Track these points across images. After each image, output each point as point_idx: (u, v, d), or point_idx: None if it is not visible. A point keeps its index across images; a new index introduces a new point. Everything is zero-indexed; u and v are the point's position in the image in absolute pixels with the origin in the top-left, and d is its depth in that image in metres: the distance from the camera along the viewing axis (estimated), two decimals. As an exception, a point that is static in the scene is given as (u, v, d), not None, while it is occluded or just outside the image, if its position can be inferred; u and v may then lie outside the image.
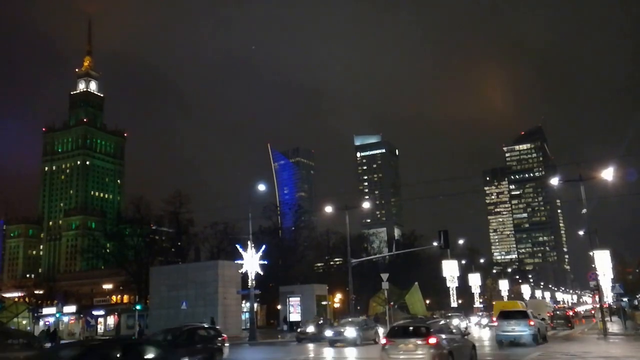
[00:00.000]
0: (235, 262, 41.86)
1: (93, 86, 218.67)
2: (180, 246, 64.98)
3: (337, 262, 79.57)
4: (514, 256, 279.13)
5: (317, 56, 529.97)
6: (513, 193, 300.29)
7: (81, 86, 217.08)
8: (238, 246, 41.17)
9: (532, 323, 23.26)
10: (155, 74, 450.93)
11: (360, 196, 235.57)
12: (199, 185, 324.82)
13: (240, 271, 41.00)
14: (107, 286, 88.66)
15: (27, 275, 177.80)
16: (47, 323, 50.89)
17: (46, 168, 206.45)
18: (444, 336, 14.56)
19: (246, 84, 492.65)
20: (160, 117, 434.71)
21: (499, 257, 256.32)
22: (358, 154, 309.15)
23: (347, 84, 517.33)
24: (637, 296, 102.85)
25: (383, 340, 15.52)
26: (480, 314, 64.34)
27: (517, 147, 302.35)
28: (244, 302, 46.23)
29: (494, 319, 31.68)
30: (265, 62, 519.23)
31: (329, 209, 54.06)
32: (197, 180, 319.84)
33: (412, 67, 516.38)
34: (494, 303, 58.17)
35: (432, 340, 13.79)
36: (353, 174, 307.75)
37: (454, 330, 16.76)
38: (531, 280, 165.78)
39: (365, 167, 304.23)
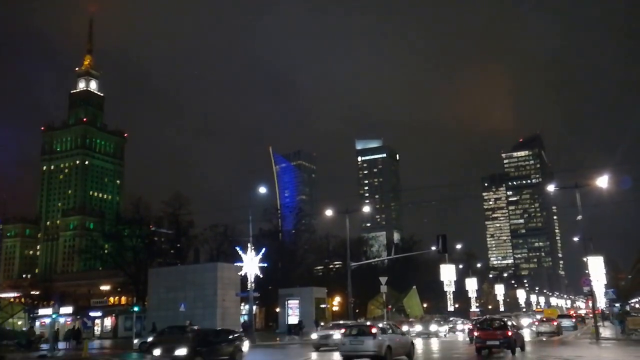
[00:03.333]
0: (235, 264, 41.80)
1: (93, 85, 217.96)
2: (180, 248, 64.79)
3: (337, 266, 79.55)
4: (510, 261, 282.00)
5: (320, 60, 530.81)
6: (510, 199, 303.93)
7: (81, 85, 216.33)
8: (238, 248, 41.10)
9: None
10: (156, 75, 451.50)
11: (360, 200, 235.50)
12: (199, 187, 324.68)
13: (239, 273, 40.88)
14: (105, 287, 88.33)
15: (24, 276, 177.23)
16: (68, 322, 50.33)
17: (44, 167, 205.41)
18: (384, 334, 20.52)
19: (248, 85, 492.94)
20: (161, 118, 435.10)
21: (495, 262, 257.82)
22: (359, 158, 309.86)
23: (350, 88, 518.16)
24: (630, 302, 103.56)
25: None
26: (452, 319, 63.10)
27: (515, 154, 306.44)
28: (242, 304, 46.09)
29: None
30: (268, 65, 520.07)
31: (329, 212, 54.07)
32: (198, 181, 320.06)
33: (413, 73, 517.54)
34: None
35: (374, 331, 20.23)
36: (354, 177, 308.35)
37: (397, 331, 22.20)
38: (526, 285, 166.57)
39: (366, 172, 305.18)
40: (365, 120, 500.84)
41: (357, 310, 67.36)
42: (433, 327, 46.43)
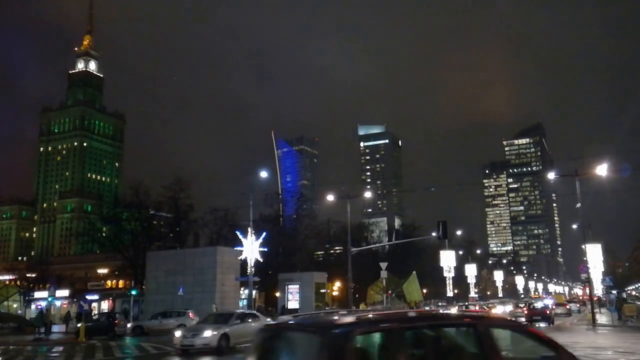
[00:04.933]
0: (235, 248, 41.20)
1: (92, 66, 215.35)
2: (179, 232, 64.01)
3: (337, 251, 79.09)
4: (509, 248, 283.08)
5: (323, 46, 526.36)
6: (511, 186, 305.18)
7: (80, 66, 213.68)
8: (238, 233, 40.46)
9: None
10: (158, 57, 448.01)
11: (362, 186, 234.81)
12: (200, 171, 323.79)
13: (239, 258, 40.30)
14: (102, 271, 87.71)
15: (19, 258, 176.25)
16: (81, 304, 49.72)
17: (42, 149, 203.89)
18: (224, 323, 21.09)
19: (252, 69, 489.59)
20: (161, 101, 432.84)
21: (495, 249, 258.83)
22: (361, 144, 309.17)
23: (353, 74, 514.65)
24: (626, 289, 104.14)
25: None
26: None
27: (516, 142, 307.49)
28: (242, 289, 45.53)
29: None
30: (272, 49, 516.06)
31: (330, 197, 53.48)
32: (198, 166, 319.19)
33: (417, 60, 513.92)
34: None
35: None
36: (356, 163, 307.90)
37: (247, 320, 22.46)
38: (525, 271, 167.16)
39: (368, 157, 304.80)
40: (368, 106, 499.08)
41: (357, 296, 67.02)
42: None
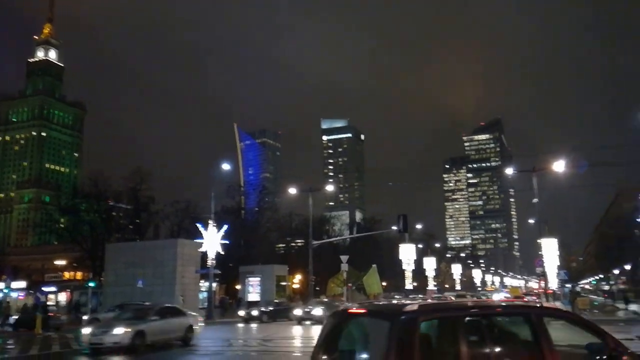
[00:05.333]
0: (196, 241, 41.44)
1: (53, 55, 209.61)
2: (139, 223, 63.52)
3: (299, 244, 79.77)
4: (468, 242, 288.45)
5: (286, 39, 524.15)
6: (470, 181, 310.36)
7: (40, 54, 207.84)
8: (199, 225, 40.75)
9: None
10: (120, 48, 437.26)
11: (324, 179, 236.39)
12: (162, 163, 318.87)
13: (200, 250, 40.59)
14: (60, 262, 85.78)
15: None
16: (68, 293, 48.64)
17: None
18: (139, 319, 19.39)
19: (219, 61, 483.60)
20: (122, 92, 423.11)
21: (453, 242, 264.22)
22: (325, 138, 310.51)
23: (318, 68, 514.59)
24: (579, 283, 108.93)
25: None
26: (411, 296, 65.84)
27: (476, 137, 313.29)
28: (202, 281, 45.82)
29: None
30: (236, 42, 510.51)
31: (293, 190, 54.20)
32: (161, 157, 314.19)
33: (380, 55, 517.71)
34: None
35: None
36: (319, 157, 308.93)
37: (169, 316, 20.80)
38: (482, 265, 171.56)
39: (331, 151, 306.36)
40: (331, 100, 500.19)
41: (317, 288, 67.98)
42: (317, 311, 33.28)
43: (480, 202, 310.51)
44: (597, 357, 5.39)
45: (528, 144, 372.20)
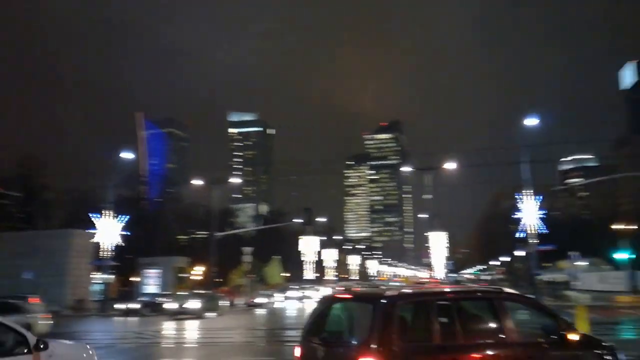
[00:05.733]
0: (91, 231, 40.18)
1: None
2: (30, 212, 59.98)
3: (203, 235, 79.11)
4: (366, 234, 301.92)
5: (195, 30, 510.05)
6: (371, 177, 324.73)
7: None
8: (94, 215, 39.51)
9: None
10: (22, 32, 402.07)
11: (231, 171, 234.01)
12: (58, 150, 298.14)
13: (94, 241, 39.49)
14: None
15: None
16: None
17: None
18: None
19: (120, 50, 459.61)
20: (19, 76, 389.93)
21: (353, 235, 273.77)
22: (233, 130, 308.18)
23: (229, 60, 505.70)
24: (461, 272, 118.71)
25: None
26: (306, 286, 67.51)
27: (377, 136, 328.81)
28: (99, 273, 44.46)
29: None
30: (142, 30, 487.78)
31: (197, 182, 53.91)
32: (59, 144, 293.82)
33: (291, 50, 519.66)
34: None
35: None
36: (226, 149, 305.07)
37: None
38: (378, 256, 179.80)
39: (239, 144, 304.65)
40: (242, 93, 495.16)
41: (220, 280, 67.95)
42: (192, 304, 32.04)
43: (379, 198, 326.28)
44: (551, 336, 6.15)
45: (426, 144, 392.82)
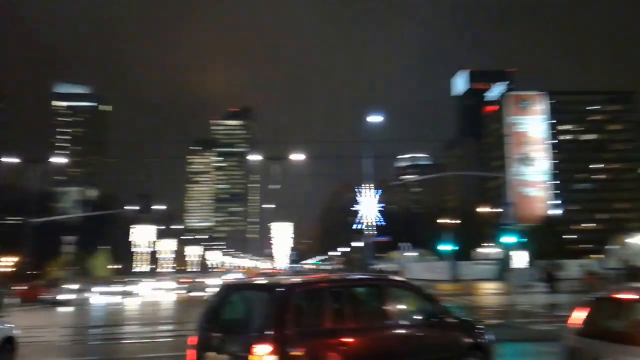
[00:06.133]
0: None
1: None
2: None
3: (16, 221, 69.36)
4: (209, 224, 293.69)
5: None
6: (217, 165, 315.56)
7: None
8: None
9: None
10: None
11: (54, 150, 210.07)
12: None
13: None
14: None
15: None
16: None
17: None
18: None
19: None
20: None
21: (195, 225, 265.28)
22: (59, 104, 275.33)
23: (60, 30, 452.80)
24: (302, 262, 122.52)
25: None
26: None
27: (226, 122, 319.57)
28: None
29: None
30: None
31: (9, 159, 46.42)
32: None
33: (137, 27, 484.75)
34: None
35: None
36: (49, 124, 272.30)
37: None
38: (222, 247, 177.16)
39: (67, 119, 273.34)
40: (73, 64, 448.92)
41: (35, 272, 60.14)
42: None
43: (225, 186, 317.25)
44: (430, 319, 7.05)
45: (277, 134, 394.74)
